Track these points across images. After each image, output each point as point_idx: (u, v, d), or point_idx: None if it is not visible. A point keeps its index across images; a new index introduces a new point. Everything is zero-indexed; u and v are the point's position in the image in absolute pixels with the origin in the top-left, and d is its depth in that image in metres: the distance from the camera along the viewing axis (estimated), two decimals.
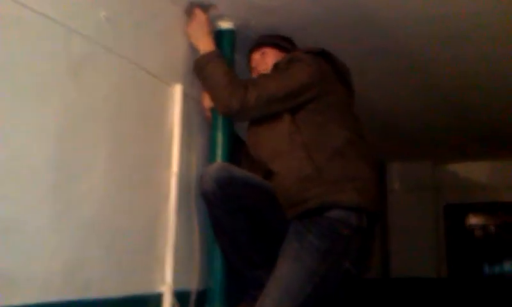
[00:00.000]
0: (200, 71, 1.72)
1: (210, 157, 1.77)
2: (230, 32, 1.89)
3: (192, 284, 1.64)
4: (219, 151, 1.76)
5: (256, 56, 1.86)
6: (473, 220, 5.36)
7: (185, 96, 1.74)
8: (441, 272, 4.68)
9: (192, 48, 1.77)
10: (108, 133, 1.40)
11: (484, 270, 5.22)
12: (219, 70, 1.67)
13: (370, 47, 2.19)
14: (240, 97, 1.60)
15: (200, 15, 1.77)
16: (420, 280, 4.42)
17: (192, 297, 1.63)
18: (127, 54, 1.48)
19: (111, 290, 1.35)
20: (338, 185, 1.52)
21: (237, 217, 1.58)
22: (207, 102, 1.79)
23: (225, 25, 1.88)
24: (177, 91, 1.69)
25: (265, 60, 1.82)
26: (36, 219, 1.15)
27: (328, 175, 1.53)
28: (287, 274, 1.49)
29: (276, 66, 1.72)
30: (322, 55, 1.71)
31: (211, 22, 1.81)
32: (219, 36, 1.86)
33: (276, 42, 1.86)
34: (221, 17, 1.86)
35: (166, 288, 1.54)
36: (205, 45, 1.73)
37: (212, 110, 1.79)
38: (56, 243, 1.20)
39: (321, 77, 1.64)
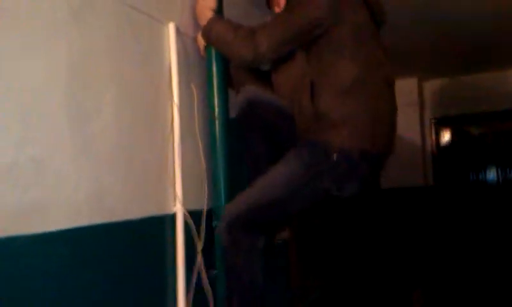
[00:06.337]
0: (208, 39, 1.77)
1: (208, 87, 1.88)
2: None
3: (201, 204, 1.79)
4: (215, 81, 1.86)
5: None
6: (459, 131, 5.53)
7: (181, 34, 1.81)
8: (428, 181, 4.94)
9: None
10: (113, 73, 1.48)
11: (470, 177, 5.47)
12: (222, 29, 1.71)
13: None
14: (251, 47, 1.61)
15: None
16: (409, 189, 4.68)
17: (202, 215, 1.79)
18: None
19: (131, 213, 1.50)
20: (334, 128, 1.55)
21: (260, 138, 1.77)
22: (201, 41, 1.87)
23: None
24: (171, 29, 1.75)
25: None
26: (59, 156, 1.25)
27: (328, 118, 1.55)
28: (271, 174, 1.64)
29: (287, 1, 1.72)
30: None
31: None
32: None
33: None
34: None
35: (178, 209, 1.69)
36: (206, 18, 1.78)
37: (206, 46, 1.86)
38: (79, 176, 1.31)
39: (332, 10, 1.56)
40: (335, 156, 1.55)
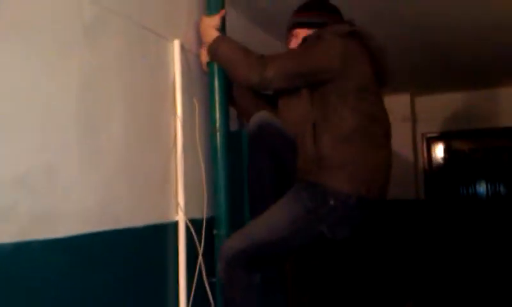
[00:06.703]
0: (214, 57, 1.82)
1: (209, 101, 1.96)
2: None
3: (202, 213, 1.85)
4: (217, 96, 1.93)
5: (289, 35, 1.93)
6: (449, 146, 5.62)
7: (185, 51, 1.89)
8: (419, 195, 5.01)
9: (191, 6, 1.95)
10: (121, 88, 1.55)
11: (460, 191, 5.55)
12: (230, 49, 1.77)
13: None
14: (259, 71, 1.67)
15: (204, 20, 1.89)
16: (401, 202, 4.75)
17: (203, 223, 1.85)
18: (131, 15, 1.62)
19: (136, 221, 1.57)
20: (334, 171, 1.61)
21: (266, 157, 1.83)
22: (204, 57, 1.95)
23: None
24: (176, 46, 1.83)
25: (298, 38, 1.87)
26: (68, 166, 1.32)
27: (329, 162, 1.62)
28: (274, 214, 1.70)
29: (304, 40, 1.80)
30: (355, 35, 1.71)
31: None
32: None
33: (308, 21, 1.87)
34: None
35: (180, 217, 1.77)
36: (210, 36, 1.84)
37: (209, 63, 1.94)
38: (87, 185, 1.38)
39: (342, 62, 1.64)
40: (332, 200, 1.61)
